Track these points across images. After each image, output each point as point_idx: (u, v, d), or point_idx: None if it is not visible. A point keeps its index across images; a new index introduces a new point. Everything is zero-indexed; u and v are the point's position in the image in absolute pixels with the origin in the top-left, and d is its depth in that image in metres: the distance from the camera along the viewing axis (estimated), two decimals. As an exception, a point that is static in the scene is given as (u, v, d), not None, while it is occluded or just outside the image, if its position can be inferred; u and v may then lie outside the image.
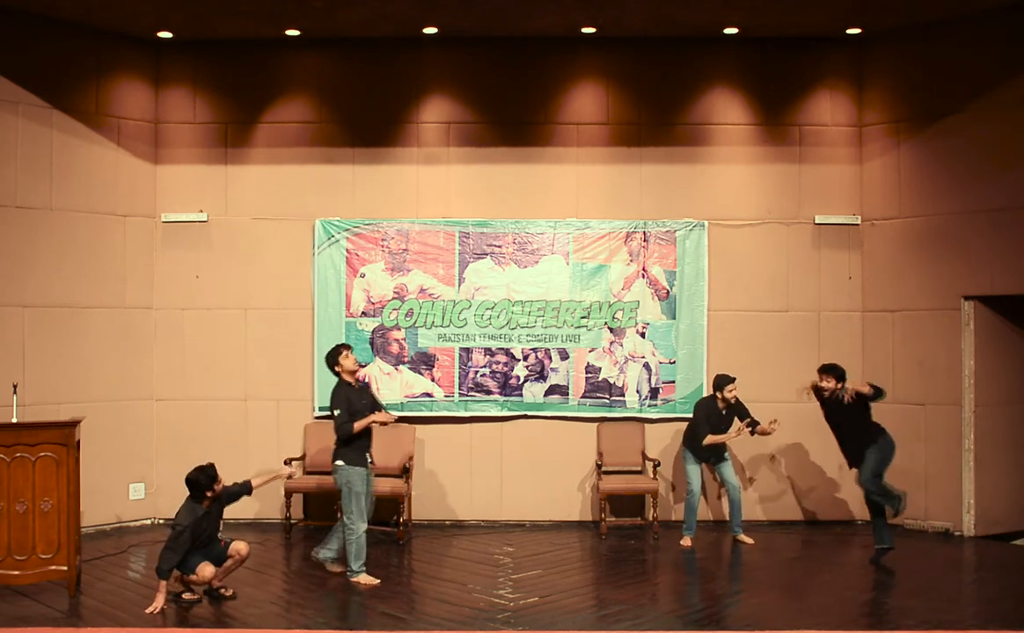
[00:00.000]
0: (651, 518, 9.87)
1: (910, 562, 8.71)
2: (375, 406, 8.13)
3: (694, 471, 9.41)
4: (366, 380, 9.53)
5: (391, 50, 10.30)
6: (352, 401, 7.94)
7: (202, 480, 7.31)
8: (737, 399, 9.40)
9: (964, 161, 9.66)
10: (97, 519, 9.76)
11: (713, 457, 9.47)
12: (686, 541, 9.30)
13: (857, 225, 10.32)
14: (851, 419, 8.59)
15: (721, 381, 9.38)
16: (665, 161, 10.35)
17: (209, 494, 7.36)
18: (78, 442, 7.63)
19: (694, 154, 10.36)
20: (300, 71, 10.35)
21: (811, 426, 10.24)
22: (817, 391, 8.77)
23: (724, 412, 9.39)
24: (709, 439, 9.27)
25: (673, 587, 8.04)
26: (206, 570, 7.21)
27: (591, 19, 9.65)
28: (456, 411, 10.19)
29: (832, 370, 8.68)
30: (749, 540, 9.35)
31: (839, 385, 8.60)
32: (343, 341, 10.05)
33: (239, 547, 7.46)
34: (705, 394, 10.01)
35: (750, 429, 9.27)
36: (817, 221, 10.31)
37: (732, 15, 9.56)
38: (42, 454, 7.38)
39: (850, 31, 10.05)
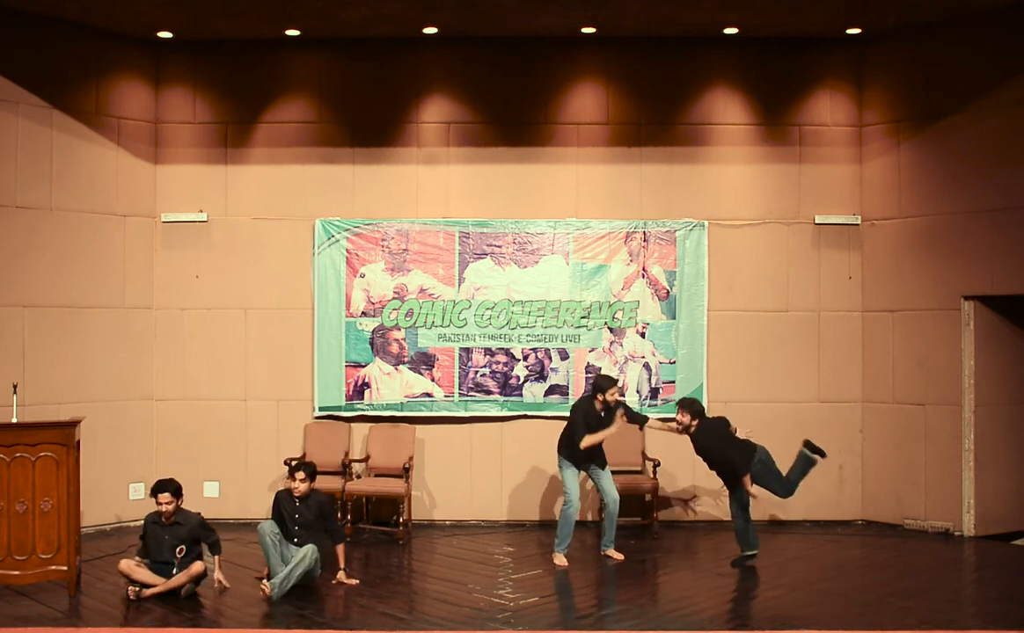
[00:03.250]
0: (651, 518, 9.87)
1: (910, 562, 8.70)
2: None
3: (572, 479, 8.69)
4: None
5: (391, 50, 10.30)
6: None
7: (153, 487, 7.67)
8: (621, 403, 8.83)
9: (964, 161, 9.66)
10: (97, 519, 9.76)
11: (593, 463, 8.75)
12: (559, 559, 8.56)
13: (857, 225, 10.32)
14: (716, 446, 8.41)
15: (604, 383, 8.66)
16: (665, 161, 10.34)
17: (157, 503, 7.58)
18: (78, 442, 7.63)
19: (694, 154, 10.36)
20: (300, 71, 10.35)
21: (810, 426, 10.26)
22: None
23: (603, 414, 8.66)
24: (587, 441, 8.51)
25: (673, 587, 8.03)
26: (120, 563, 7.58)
27: (591, 19, 9.65)
28: (456, 411, 10.19)
29: (689, 406, 8.46)
30: (619, 556, 8.74)
31: (693, 421, 8.36)
32: (345, 339, 10.09)
33: (194, 567, 7.51)
34: (705, 394, 10.02)
35: (626, 416, 8.70)
36: (817, 221, 10.31)
37: (732, 15, 9.56)
38: (42, 454, 7.38)
39: (850, 31, 10.05)
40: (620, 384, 8.88)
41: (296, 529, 7.83)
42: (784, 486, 8.43)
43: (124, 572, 7.46)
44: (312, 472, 8.01)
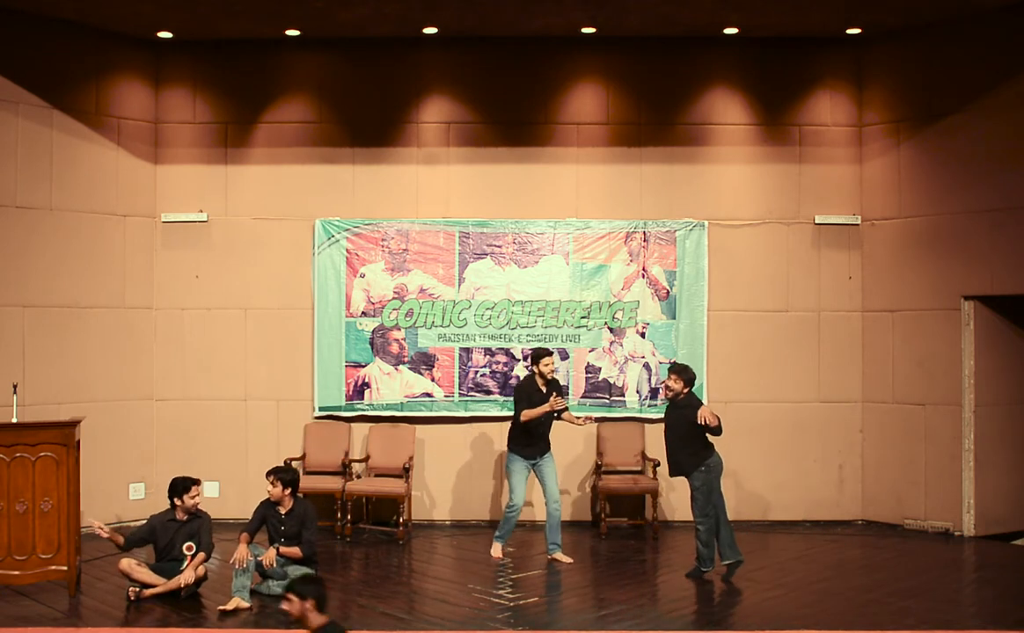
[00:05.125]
0: (651, 518, 9.87)
1: (910, 562, 8.71)
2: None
3: (520, 479, 8.60)
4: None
5: (391, 50, 10.30)
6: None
7: (176, 484, 7.67)
8: (556, 379, 8.74)
9: (964, 161, 9.66)
10: (97, 519, 9.72)
11: (539, 454, 8.64)
12: (496, 551, 8.73)
13: (857, 225, 10.32)
14: (680, 430, 8.05)
15: (539, 352, 8.68)
16: (665, 161, 10.34)
17: (177, 502, 7.62)
18: (78, 442, 7.63)
19: (694, 154, 10.36)
20: (300, 71, 10.35)
21: (811, 426, 10.27)
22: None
23: (545, 390, 8.58)
24: (526, 414, 8.42)
25: (673, 587, 8.03)
26: (121, 563, 7.56)
27: (591, 19, 9.65)
28: (456, 411, 10.19)
29: (682, 372, 8.11)
30: (567, 559, 8.61)
31: (684, 389, 8.06)
32: (345, 339, 10.09)
33: (184, 575, 7.42)
34: (706, 394, 10.01)
35: (560, 409, 8.52)
36: (817, 221, 10.31)
37: (732, 15, 9.56)
38: (42, 454, 7.38)
39: (850, 31, 10.05)
40: (554, 354, 8.77)
41: (283, 541, 7.70)
42: (705, 517, 7.98)
43: (124, 571, 7.45)
44: (289, 480, 7.72)
